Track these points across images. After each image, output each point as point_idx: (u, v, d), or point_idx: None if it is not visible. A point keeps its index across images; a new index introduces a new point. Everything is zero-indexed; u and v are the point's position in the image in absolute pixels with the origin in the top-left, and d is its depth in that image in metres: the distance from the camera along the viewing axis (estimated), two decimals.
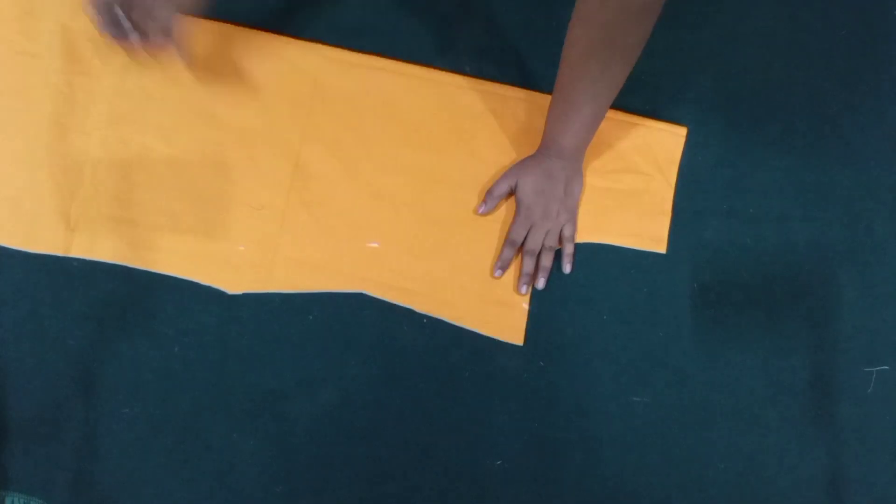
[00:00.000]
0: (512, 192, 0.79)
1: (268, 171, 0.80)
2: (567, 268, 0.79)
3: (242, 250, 0.78)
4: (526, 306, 0.79)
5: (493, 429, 0.78)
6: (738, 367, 0.79)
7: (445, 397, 0.78)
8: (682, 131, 0.82)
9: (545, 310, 0.79)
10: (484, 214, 0.80)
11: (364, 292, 0.78)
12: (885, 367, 0.80)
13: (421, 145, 0.81)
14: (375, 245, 0.79)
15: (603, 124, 0.82)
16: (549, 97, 0.82)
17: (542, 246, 0.78)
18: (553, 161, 0.76)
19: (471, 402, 0.78)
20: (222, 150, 0.80)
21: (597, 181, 0.81)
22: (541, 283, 0.78)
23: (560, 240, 0.79)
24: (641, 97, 0.83)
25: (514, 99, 0.82)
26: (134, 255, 0.78)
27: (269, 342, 0.78)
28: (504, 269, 0.78)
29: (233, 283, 0.78)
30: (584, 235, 0.80)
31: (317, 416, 0.77)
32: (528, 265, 0.78)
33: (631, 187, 0.81)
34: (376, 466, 0.77)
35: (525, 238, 0.78)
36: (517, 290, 0.78)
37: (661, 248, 0.81)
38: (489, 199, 0.79)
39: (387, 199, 0.80)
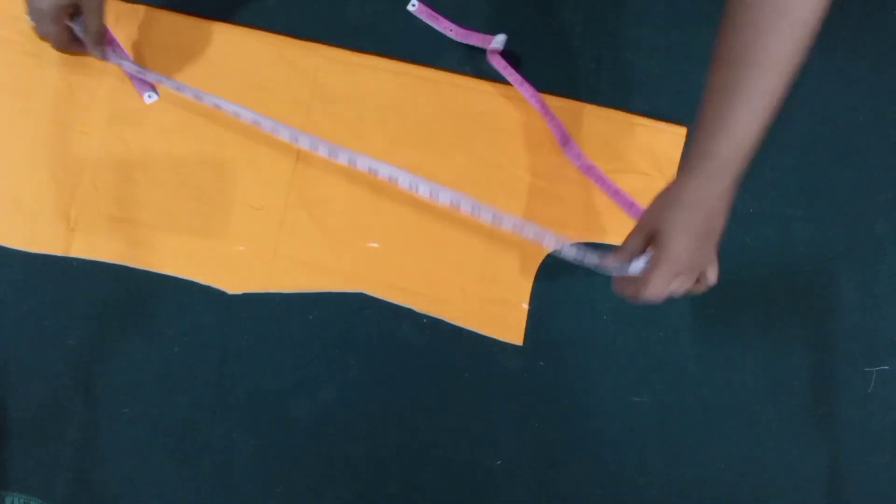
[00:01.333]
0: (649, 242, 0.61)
1: (268, 171, 0.80)
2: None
3: (242, 250, 0.78)
4: (525, 306, 0.79)
5: (493, 429, 0.78)
6: (738, 367, 0.79)
7: (445, 397, 0.78)
8: (682, 131, 0.82)
9: (545, 310, 0.79)
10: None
11: (364, 292, 0.78)
12: (885, 367, 0.80)
13: (421, 145, 0.81)
14: (375, 245, 0.79)
15: (603, 124, 0.82)
16: (548, 97, 0.82)
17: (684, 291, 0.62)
18: (701, 189, 0.58)
19: (471, 402, 0.78)
20: (222, 150, 0.80)
21: None
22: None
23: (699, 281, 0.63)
24: (641, 97, 0.83)
25: (515, 99, 0.82)
26: (134, 255, 0.78)
27: (269, 342, 0.78)
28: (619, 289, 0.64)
29: (233, 283, 0.78)
30: (584, 235, 0.80)
31: (317, 416, 0.77)
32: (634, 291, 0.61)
33: (631, 187, 0.81)
34: (376, 466, 0.77)
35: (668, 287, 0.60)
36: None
37: None
38: (622, 261, 0.62)
39: (387, 199, 0.80)
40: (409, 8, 0.83)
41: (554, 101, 0.82)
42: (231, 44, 0.81)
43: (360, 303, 0.78)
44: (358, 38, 0.82)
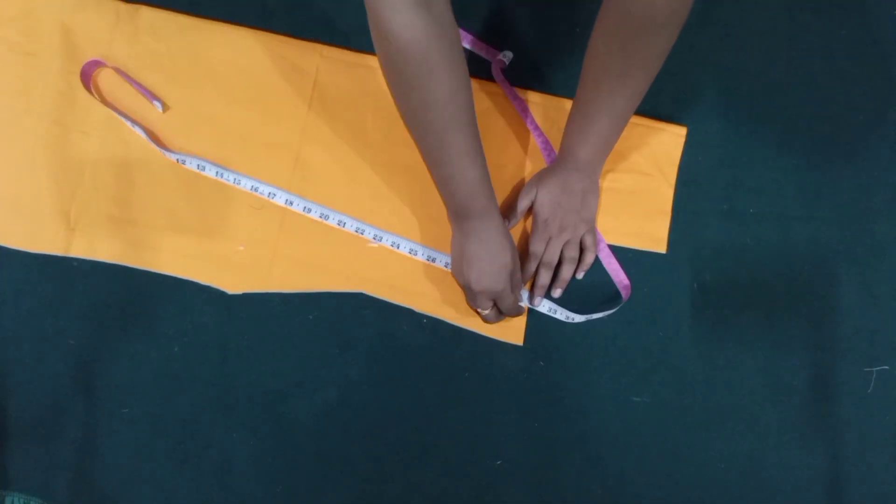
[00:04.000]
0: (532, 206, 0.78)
1: (267, 170, 0.80)
2: (580, 275, 0.79)
3: (242, 250, 0.78)
4: (525, 306, 0.79)
5: (493, 429, 0.78)
6: (738, 367, 0.79)
7: (445, 397, 0.78)
8: (682, 131, 0.82)
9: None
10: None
11: (364, 292, 0.78)
12: (885, 367, 0.80)
13: None
14: (375, 245, 0.79)
15: None
16: (549, 97, 0.82)
17: (562, 257, 0.78)
18: (570, 173, 0.75)
19: (471, 402, 0.78)
20: (222, 149, 0.80)
21: None
22: (556, 293, 0.78)
23: (581, 250, 0.79)
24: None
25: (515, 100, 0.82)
26: (134, 255, 0.78)
27: (269, 342, 0.78)
28: (524, 281, 0.78)
29: (233, 283, 0.78)
30: None
31: (317, 416, 0.77)
32: (544, 277, 0.78)
33: (631, 187, 0.81)
34: (376, 466, 0.77)
35: (543, 251, 0.78)
36: (530, 301, 0.78)
37: (661, 248, 0.81)
38: (514, 216, 0.78)
39: (386, 199, 0.80)
40: None
41: (554, 102, 0.82)
42: (231, 44, 0.81)
43: (360, 303, 0.78)
44: (358, 38, 0.82)
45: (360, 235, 0.79)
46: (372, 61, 0.82)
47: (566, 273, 0.78)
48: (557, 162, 0.77)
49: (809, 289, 0.81)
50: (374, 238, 0.78)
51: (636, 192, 0.81)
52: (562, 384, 0.78)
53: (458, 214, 0.72)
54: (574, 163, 0.75)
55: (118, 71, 0.79)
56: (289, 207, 0.79)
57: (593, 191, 0.77)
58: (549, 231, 0.77)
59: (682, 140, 0.82)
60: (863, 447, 0.79)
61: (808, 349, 0.80)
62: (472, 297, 0.74)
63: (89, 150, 0.79)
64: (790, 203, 0.82)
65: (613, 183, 0.81)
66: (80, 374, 0.76)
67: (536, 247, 0.78)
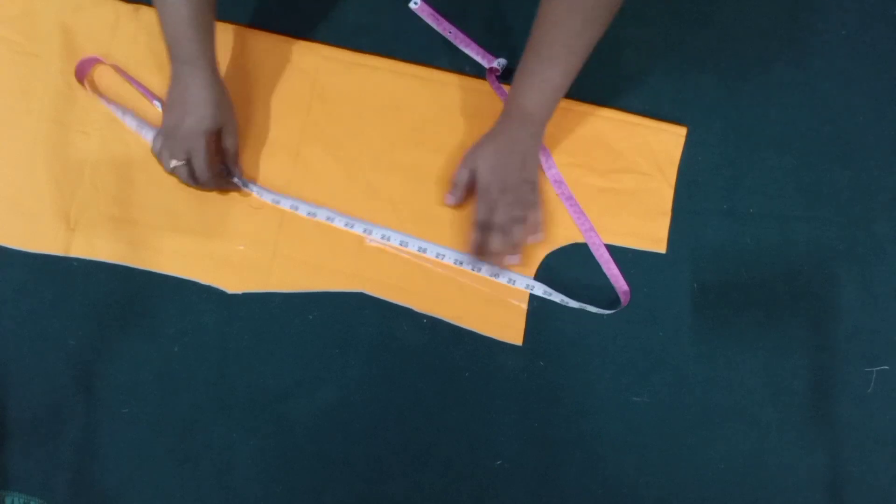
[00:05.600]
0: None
1: (267, 170, 0.80)
2: (540, 236, 0.76)
3: (242, 250, 0.78)
4: (525, 306, 0.79)
5: (493, 429, 0.78)
6: (738, 367, 0.79)
7: (445, 397, 0.78)
8: (682, 131, 0.82)
9: (545, 310, 0.79)
10: (454, 206, 0.78)
11: (364, 292, 0.79)
12: (885, 367, 0.80)
13: (421, 145, 0.81)
14: (375, 244, 0.79)
15: (603, 124, 0.82)
16: None
17: (510, 219, 0.74)
18: (513, 131, 0.73)
19: (471, 402, 0.78)
20: None
21: (597, 181, 0.81)
22: (515, 259, 0.76)
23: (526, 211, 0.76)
24: (641, 97, 0.83)
25: None
26: (134, 255, 0.78)
27: (269, 342, 0.78)
28: (478, 253, 0.76)
29: (232, 282, 0.78)
30: (577, 236, 0.80)
31: (317, 416, 0.77)
32: (495, 243, 0.74)
33: (631, 187, 0.81)
34: (376, 466, 0.77)
35: (489, 217, 0.75)
36: (477, 268, 0.77)
37: (661, 248, 0.81)
38: (455, 189, 0.76)
39: (386, 199, 0.80)
40: (411, 6, 0.83)
41: None
42: (231, 44, 0.81)
43: (360, 303, 0.78)
44: (358, 38, 0.82)
45: (359, 234, 0.78)
46: (372, 61, 0.82)
47: (516, 234, 0.75)
48: (501, 118, 0.75)
49: (809, 289, 0.81)
50: (365, 231, 0.78)
51: (636, 192, 0.81)
52: (562, 384, 0.78)
53: (170, 56, 0.71)
54: (519, 116, 0.73)
55: (117, 69, 0.79)
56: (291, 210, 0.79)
57: (535, 151, 0.75)
58: (491, 194, 0.74)
59: (682, 140, 0.82)
60: (863, 447, 0.79)
61: (808, 349, 0.80)
62: (165, 144, 0.72)
63: (89, 150, 0.79)
64: (790, 203, 0.82)
65: (613, 183, 0.81)
66: (80, 374, 0.76)
67: (481, 213, 0.74)
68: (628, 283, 0.79)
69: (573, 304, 0.77)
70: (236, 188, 0.77)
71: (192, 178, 0.74)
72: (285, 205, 0.78)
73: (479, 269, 0.78)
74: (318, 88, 0.81)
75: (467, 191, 0.77)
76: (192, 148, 0.71)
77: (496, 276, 0.78)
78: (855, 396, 0.79)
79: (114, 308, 0.78)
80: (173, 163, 0.72)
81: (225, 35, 0.81)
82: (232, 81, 0.81)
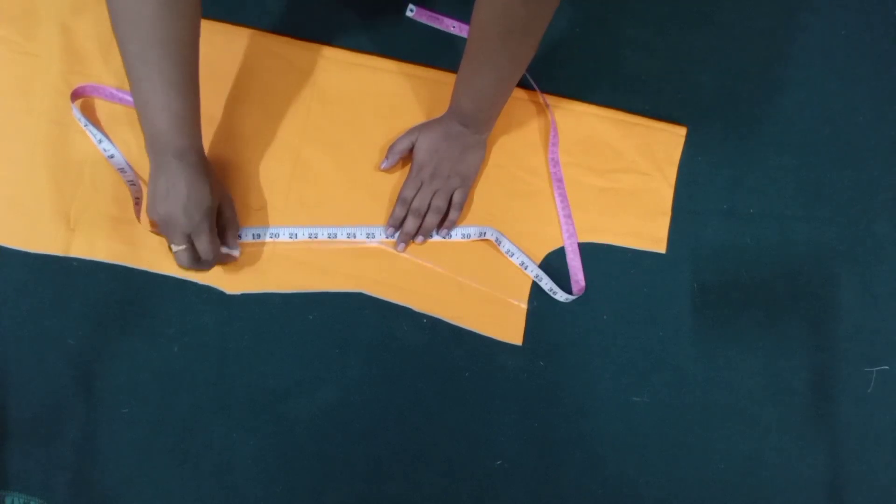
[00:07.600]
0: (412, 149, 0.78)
1: (267, 171, 0.80)
2: (443, 233, 0.78)
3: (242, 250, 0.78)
4: (524, 306, 0.79)
5: (493, 429, 0.78)
6: (738, 367, 0.79)
7: (445, 397, 0.78)
8: (682, 131, 0.82)
9: (545, 310, 0.79)
10: (386, 170, 0.79)
11: (364, 292, 0.78)
12: (885, 367, 0.80)
13: None
14: (375, 244, 0.79)
15: (603, 124, 0.82)
16: (547, 96, 0.82)
17: (430, 207, 0.77)
18: (453, 124, 0.75)
19: (471, 402, 0.78)
20: (222, 150, 0.80)
21: (597, 181, 0.81)
22: (419, 240, 0.78)
23: (448, 206, 0.78)
24: (641, 97, 0.83)
25: (513, 98, 0.82)
26: (134, 255, 0.78)
27: (269, 342, 0.78)
28: (396, 227, 0.78)
29: (232, 283, 0.78)
30: (585, 235, 0.80)
31: (317, 416, 0.77)
32: (409, 224, 0.77)
33: (631, 187, 0.82)
34: (376, 466, 0.77)
35: (414, 197, 0.77)
36: (395, 247, 0.78)
37: (661, 248, 0.81)
38: (391, 154, 0.78)
39: (386, 199, 0.80)
40: (408, 14, 0.83)
41: (553, 101, 0.82)
42: (231, 44, 0.81)
43: (360, 303, 0.78)
44: (358, 38, 0.82)
45: (363, 240, 0.78)
46: (372, 61, 0.82)
47: (429, 222, 0.77)
48: (446, 112, 0.76)
49: (809, 289, 0.81)
50: (368, 237, 0.78)
51: (636, 192, 0.81)
52: (562, 384, 0.78)
53: (155, 147, 0.66)
54: (460, 115, 0.74)
55: (113, 94, 0.79)
56: (288, 207, 0.79)
57: (477, 150, 0.77)
58: (422, 177, 0.76)
59: (682, 140, 0.82)
60: (863, 447, 0.79)
61: (808, 349, 0.80)
62: (164, 231, 0.69)
63: (89, 150, 0.79)
64: (790, 203, 0.82)
65: (613, 183, 0.81)
66: (80, 374, 0.76)
67: (407, 192, 0.77)
68: (586, 278, 0.79)
69: (561, 296, 0.78)
70: (233, 260, 0.76)
71: (195, 262, 0.71)
72: (284, 235, 0.78)
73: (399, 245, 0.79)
74: (318, 88, 0.81)
75: (402, 160, 0.79)
76: (194, 231, 0.68)
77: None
78: (855, 396, 0.79)
79: (114, 308, 0.77)
80: (174, 248, 0.69)
81: (225, 36, 0.81)
82: (232, 82, 0.81)
